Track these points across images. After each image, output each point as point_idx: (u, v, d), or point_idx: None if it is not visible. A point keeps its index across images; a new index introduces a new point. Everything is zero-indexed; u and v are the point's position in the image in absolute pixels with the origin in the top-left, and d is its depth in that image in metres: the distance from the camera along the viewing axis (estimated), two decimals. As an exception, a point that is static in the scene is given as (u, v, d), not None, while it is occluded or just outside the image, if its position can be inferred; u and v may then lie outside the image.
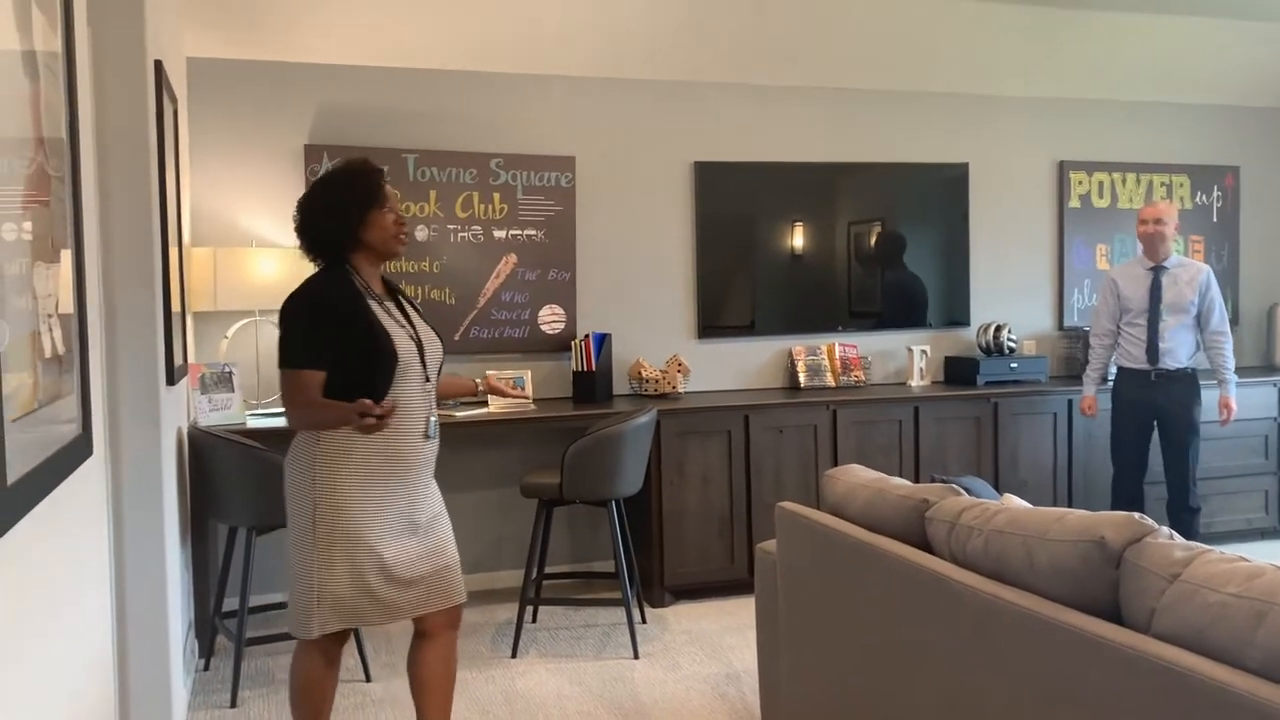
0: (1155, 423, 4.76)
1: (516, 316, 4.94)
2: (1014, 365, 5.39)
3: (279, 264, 4.37)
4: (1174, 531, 1.85)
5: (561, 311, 5.01)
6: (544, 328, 4.99)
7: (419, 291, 4.79)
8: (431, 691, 2.74)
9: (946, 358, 5.56)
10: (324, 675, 2.72)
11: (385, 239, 2.67)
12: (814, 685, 2.76)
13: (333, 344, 2.56)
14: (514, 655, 3.98)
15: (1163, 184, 5.99)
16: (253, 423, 4.17)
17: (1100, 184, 5.89)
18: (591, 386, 4.79)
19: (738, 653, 3.96)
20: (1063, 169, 5.80)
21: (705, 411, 4.64)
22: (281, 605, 4.28)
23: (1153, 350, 4.67)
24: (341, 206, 2.63)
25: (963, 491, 2.47)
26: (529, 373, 4.81)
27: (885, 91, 5.46)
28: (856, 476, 2.85)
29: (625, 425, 3.91)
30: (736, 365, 5.30)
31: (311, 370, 2.56)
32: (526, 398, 3.68)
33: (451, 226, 4.84)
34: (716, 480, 4.64)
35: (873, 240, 5.47)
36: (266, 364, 4.53)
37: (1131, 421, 4.78)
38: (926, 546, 2.41)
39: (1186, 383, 4.69)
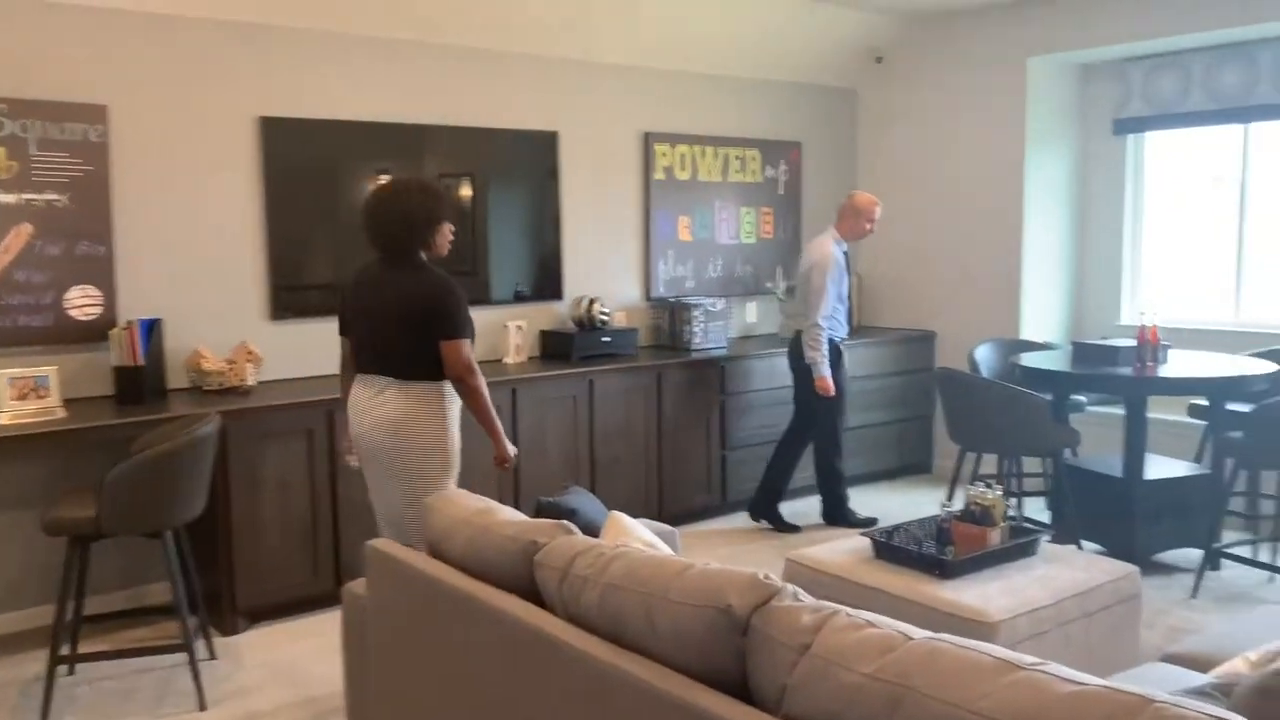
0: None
1: (36, 300, 4.05)
2: (606, 339, 5.36)
3: None
4: (798, 589, 1.74)
5: (97, 293, 4.18)
6: (73, 313, 4.13)
7: (-108, 272, 3.76)
8: None
9: (542, 332, 5.41)
10: None
11: (443, 245, 3.29)
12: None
13: None
14: (44, 726, 3.26)
15: (738, 158, 6.22)
16: None
17: (682, 156, 5.99)
18: (139, 384, 4.05)
19: (327, 684, 3.52)
20: (648, 140, 5.82)
21: (282, 410, 4.08)
22: None
23: (850, 321, 5.31)
24: (438, 215, 3.23)
25: (575, 529, 2.25)
26: (55, 369, 3.95)
27: (476, 49, 5.10)
28: (459, 507, 2.54)
29: (180, 441, 3.27)
30: (322, 349, 4.55)
31: None
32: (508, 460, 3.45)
33: (-63, 189, 3.84)
34: (297, 485, 4.11)
35: (464, 210, 5.15)
36: None
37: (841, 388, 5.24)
38: (537, 596, 2.17)
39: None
